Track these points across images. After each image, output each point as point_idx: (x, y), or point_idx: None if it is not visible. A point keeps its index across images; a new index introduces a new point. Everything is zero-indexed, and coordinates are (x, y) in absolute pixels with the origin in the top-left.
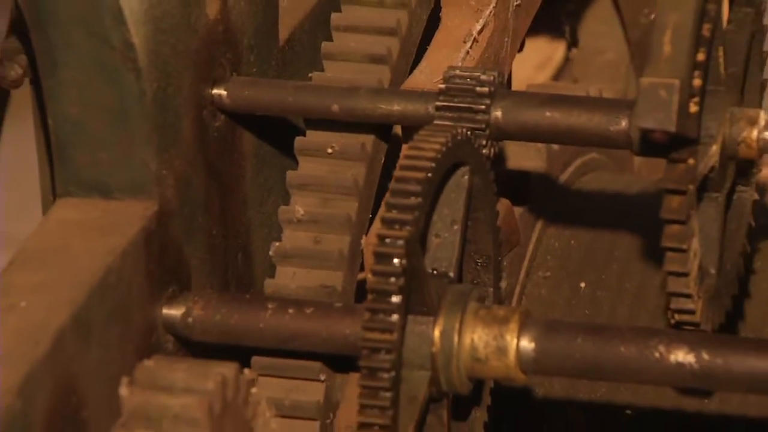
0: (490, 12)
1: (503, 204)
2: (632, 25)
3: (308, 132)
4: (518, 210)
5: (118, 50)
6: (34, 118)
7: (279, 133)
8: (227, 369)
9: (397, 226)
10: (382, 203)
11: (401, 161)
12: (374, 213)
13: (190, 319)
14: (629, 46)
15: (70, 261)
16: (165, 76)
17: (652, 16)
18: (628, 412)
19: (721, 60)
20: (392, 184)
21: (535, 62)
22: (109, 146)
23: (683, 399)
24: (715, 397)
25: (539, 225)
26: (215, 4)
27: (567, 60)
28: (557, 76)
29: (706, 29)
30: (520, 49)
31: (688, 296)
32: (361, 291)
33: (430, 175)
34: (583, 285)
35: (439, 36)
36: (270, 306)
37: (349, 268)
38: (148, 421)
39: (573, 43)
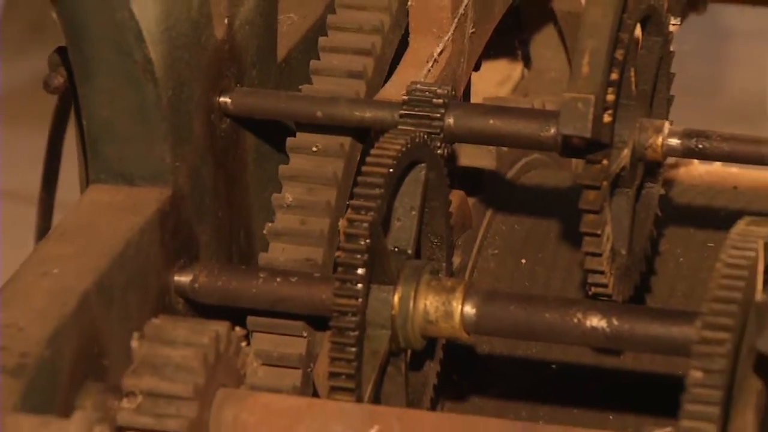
0: (449, 38)
1: (459, 194)
2: (572, 51)
3: (298, 133)
4: (472, 200)
5: (140, 64)
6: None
7: (274, 133)
8: (220, 327)
9: (362, 212)
10: (354, 193)
11: (368, 159)
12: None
13: (196, 285)
14: (570, 66)
15: (96, 235)
16: (179, 85)
17: None
18: (554, 366)
19: (633, 79)
20: (359, 178)
21: (497, 80)
22: (133, 142)
23: (602, 356)
24: (628, 355)
25: (489, 212)
26: (222, 28)
27: (522, 78)
28: (514, 92)
29: (619, 54)
30: (476, 69)
31: (601, 273)
32: (335, 265)
33: (391, 170)
34: (524, 261)
35: (406, 57)
36: (261, 275)
37: (328, 245)
38: (154, 369)
39: (526, 64)
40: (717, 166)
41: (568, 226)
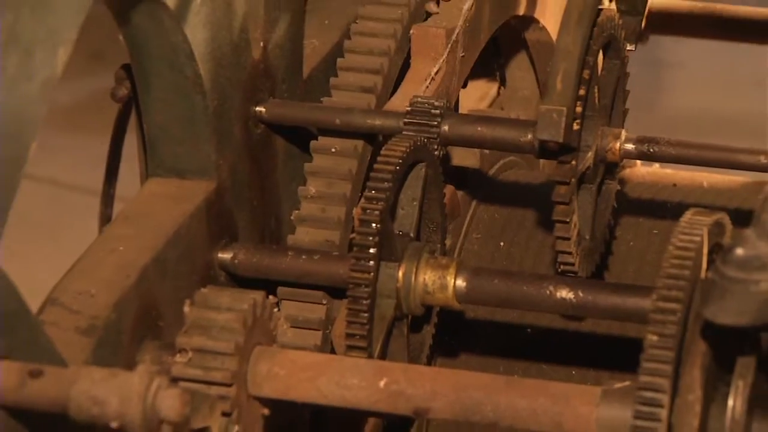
0: (443, 60)
1: (450, 188)
2: (542, 73)
3: (320, 137)
4: (460, 193)
5: (190, 79)
6: (137, 126)
7: (300, 137)
8: (257, 295)
9: (374, 202)
10: (366, 186)
11: (379, 158)
12: (362, 192)
13: (236, 261)
14: (539, 86)
15: (154, 220)
16: (222, 97)
17: None
18: (528, 330)
19: (596, 94)
20: (372, 174)
21: (477, 96)
22: (184, 143)
23: (568, 322)
24: (589, 321)
25: (474, 203)
26: (258, 50)
27: (498, 95)
28: (491, 106)
29: (585, 74)
30: (464, 86)
31: (569, 253)
32: (350, 245)
33: (397, 168)
34: (502, 244)
35: (409, 75)
36: (290, 253)
37: (344, 229)
38: (202, 330)
39: (502, 83)
40: (656, 167)
41: (538, 215)
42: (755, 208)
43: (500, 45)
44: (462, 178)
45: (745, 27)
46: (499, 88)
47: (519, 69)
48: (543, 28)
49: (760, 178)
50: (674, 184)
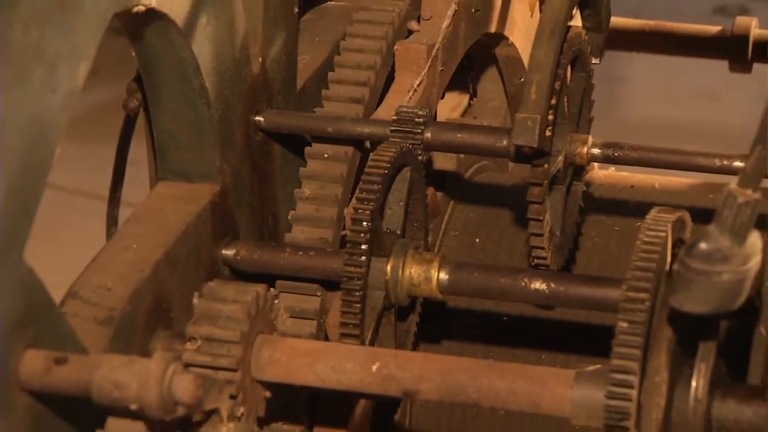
0: (424, 73)
1: (430, 190)
2: (509, 85)
3: (313, 144)
4: (439, 194)
5: (197, 91)
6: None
7: (295, 144)
8: (260, 288)
9: (365, 203)
10: (357, 188)
11: (369, 163)
12: (352, 194)
13: (238, 257)
14: (507, 97)
15: (164, 219)
16: (225, 107)
17: (522, 80)
18: (505, 318)
19: (566, 104)
20: (363, 177)
21: (450, 107)
22: (190, 149)
23: (539, 311)
24: (558, 310)
25: (451, 203)
26: (257, 65)
27: (470, 105)
28: (463, 115)
29: (557, 85)
30: (442, 97)
31: (542, 248)
32: (342, 242)
33: (386, 171)
34: (477, 240)
35: (393, 87)
36: (287, 250)
37: (336, 227)
38: (210, 320)
39: (474, 94)
40: (611, 170)
41: (509, 214)
42: (708, 206)
43: (472, 60)
44: (441, 180)
45: (688, 42)
46: (470, 99)
47: (489, 82)
48: (511, 44)
49: (706, 180)
50: (632, 186)
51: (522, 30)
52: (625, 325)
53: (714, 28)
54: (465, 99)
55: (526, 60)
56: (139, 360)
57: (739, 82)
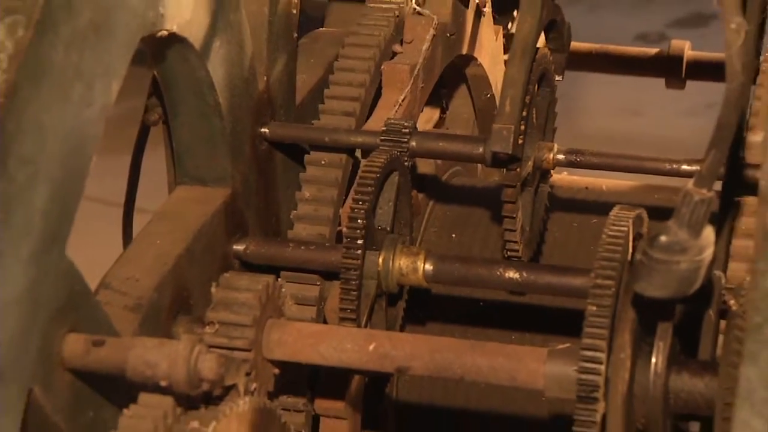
0: (408, 90)
1: (413, 191)
2: (477, 100)
3: (312, 152)
4: (420, 195)
5: (211, 106)
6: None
7: (296, 152)
8: (269, 278)
9: (360, 202)
10: (351, 190)
11: (362, 168)
12: (345, 196)
13: (247, 251)
14: (475, 111)
15: (183, 219)
16: (236, 120)
17: (489, 95)
18: (481, 303)
19: (534, 115)
20: (358, 180)
21: (423, 120)
22: (205, 157)
23: (511, 296)
24: (528, 296)
25: (431, 203)
26: (262, 83)
27: (441, 118)
28: (435, 127)
29: (527, 99)
30: (421, 111)
31: (515, 242)
32: (338, 238)
33: (377, 176)
34: (454, 236)
35: (381, 102)
36: (291, 245)
37: (333, 225)
38: (226, 306)
39: (446, 108)
40: (565, 174)
41: (482, 212)
42: (650, 204)
43: (444, 78)
44: (421, 183)
45: (630, 62)
46: (441, 113)
47: (459, 97)
48: (479, 65)
49: (646, 182)
50: (586, 187)
51: (488, 52)
52: (594, 308)
53: (652, 50)
54: (437, 113)
55: (491, 78)
56: (168, 342)
57: (659, 100)
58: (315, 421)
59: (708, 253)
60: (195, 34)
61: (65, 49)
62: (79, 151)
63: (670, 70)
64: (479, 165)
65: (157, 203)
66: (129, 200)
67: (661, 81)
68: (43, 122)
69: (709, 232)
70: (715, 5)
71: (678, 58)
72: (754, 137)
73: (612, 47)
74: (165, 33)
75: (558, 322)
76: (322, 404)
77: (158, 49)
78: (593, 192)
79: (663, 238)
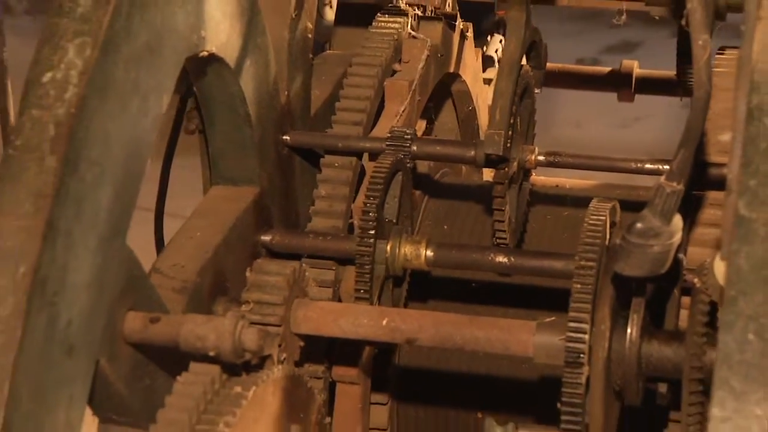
0: (407, 103)
1: None
2: (460, 112)
3: (326, 156)
4: (416, 192)
5: (242, 117)
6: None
7: (313, 156)
8: (295, 263)
9: (371, 198)
10: (361, 188)
11: (373, 169)
12: (355, 194)
13: (273, 241)
14: (458, 122)
15: (219, 214)
16: (263, 129)
17: (470, 108)
18: (474, 284)
19: (518, 122)
20: (369, 179)
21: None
22: (237, 161)
23: (499, 277)
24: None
25: (426, 198)
26: (284, 97)
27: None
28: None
29: (513, 109)
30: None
31: (504, 231)
32: (350, 229)
33: (385, 176)
34: (445, 227)
35: (384, 113)
36: (310, 235)
37: (345, 218)
38: (259, 288)
39: (431, 120)
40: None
41: (469, 206)
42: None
43: (433, 93)
44: (417, 181)
45: (587, 79)
46: (427, 123)
47: (445, 110)
48: (463, 81)
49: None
50: (556, 185)
51: (471, 70)
52: (578, 286)
53: (606, 69)
54: (424, 123)
55: (473, 93)
56: (215, 318)
57: (595, 114)
58: (331, 386)
59: (677, 238)
60: (230, 55)
61: (125, 67)
62: (137, 156)
63: (622, 85)
64: (463, 167)
65: (177, 207)
66: (160, 204)
67: (596, 97)
68: (108, 130)
69: (677, 220)
70: (684, 25)
71: (628, 75)
72: (723, 137)
73: (573, 66)
74: (205, 53)
75: (540, 300)
76: (338, 371)
77: (199, 68)
78: (562, 189)
79: (639, 225)
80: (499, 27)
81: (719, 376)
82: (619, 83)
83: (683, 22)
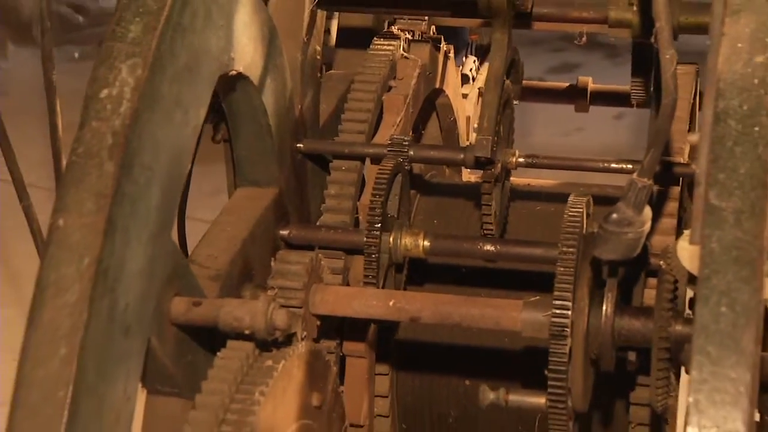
0: (402, 114)
1: None
2: (443, 122)
3: (334, 161)
4: (411, 191)
5: (264, 127)
6: (225, 156)
7: (322, 161)
8: (312, 254)
9: (377, 196)
10: (365, 188)
11: (377, 172)
12: (360, 193)
13: (290, 235)
14: (441, 132)
15: (245, 211)
16: (281, 138)
17: (452, 119)
18: (464, 269)
19: (502, 129)
20: (375, 180)
21: None
22: (259, 165)
23: (484, 263)
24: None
25: (418, 196)
26: (297, 110)
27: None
28: None
29: (498, 118)
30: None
31: (491, 223)
32: (356, 224)
33: (388, 177)
34: (435, 221)
35: (383, 123)
36: (322, 229)
37: (352, 214)
38: (282, 275)
39: (421, 129)
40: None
41: (455, 203)
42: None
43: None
44: (411, 181)
45: (547, 93)
46: (412, 132)
47: (431, 121)
48: (446, 96)
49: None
50: (528, 184)
51: (452, 86)
52: (561, 269)
53: (564, 84)
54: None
55: (454, 106)
56: (249, 301)
57: (540, 125)
58: (342, 360)
59: (647, 227)
60: (254, 74)
61: (169, 84)
62: (180, 161)
63: (579, 98)
64: (446, 169)
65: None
66: (182, 207)
67: (540, 109)
68: (157, 138)
69: (647, 211)
70: (652, 41)
71: (584, 89)
72: (692, 137)
73: (537, 82)
74: (234, 72)
75: (521, 282)
76: (348, 347)
77: (228, 85)
78: (534, 188)
79: (615, 216)
80: (469, 49)
81: (697, 344)
82: (576, 96)
83: (652, 40)
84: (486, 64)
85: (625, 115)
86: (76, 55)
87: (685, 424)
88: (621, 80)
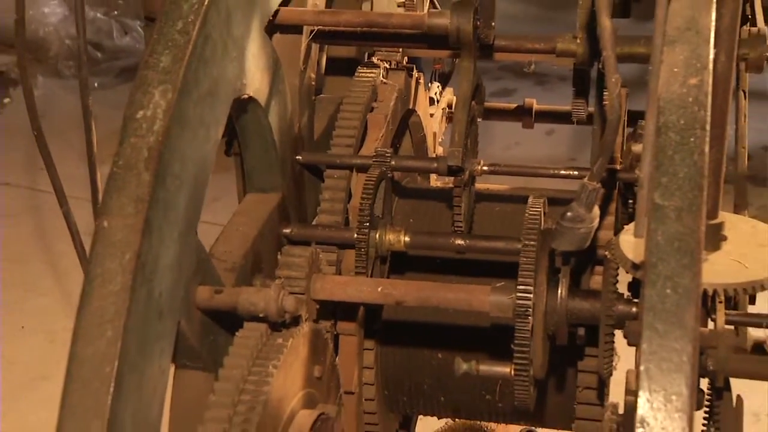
0: (384, 130)
1: None
2: (414, 137)
3: (327, 170)
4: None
5: (270, 142)
6: (235, 167)
7: (317, 170)
8: (312, 248)
9: (366, 199)
10: (354, 193)
11: (365, 178)
12: (349, 197)
13: (292, 233)
14: (413, 147)
15: (254, 213)
16: (284, 151)
17: (421, 134)
18: (438, 260)
19: (469, 143)
20: (363, 186)
21: None
22: (266, 174)
23: (455, 255)
24: (468, 255)
25: (396, 198)
26: (296, 127)
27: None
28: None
29: (466, 133)
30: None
31: (461, 222)
32: (346, 223)
33: (375, 182)
34: (411, 220)
35: (368, 138)
36: (319, 228)
37: (343, 215)
38: (287, 266)
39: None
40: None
41: (428, 204)
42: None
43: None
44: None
45: (498, 112)
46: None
47: (405, 137)
48: (418, 115)
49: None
50: (488, 188)
51: (422, 107)
52: (524, 259)
53: (513, 104)
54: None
55: (423, 123)
56: (263, 289)
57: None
58: (335, 338)
59: (596, 223)
60: (262, 97)
61: (194, 106)
62: (203, 171)
63: (525, 116)
64: (418, 176)
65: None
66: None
67: (485, 126)
68: (184, 152)
69: (596, 209)
70: (600, 67)
71: (530, 109)
72: (636, 147)
73: (493, 103)
74: (246, 96)
75: (487, 270)
76: (341, 326)
77: (241, 107)
78: (492, 191)
79: (569, 213)
80: (434, 76)
81: (646, 320)
82: (523, 114)
83: (600, 66)
84: (448, 89)
85: (555, 131)
86: (96, 84)
87: (637, 388)
88: (550, 102)
